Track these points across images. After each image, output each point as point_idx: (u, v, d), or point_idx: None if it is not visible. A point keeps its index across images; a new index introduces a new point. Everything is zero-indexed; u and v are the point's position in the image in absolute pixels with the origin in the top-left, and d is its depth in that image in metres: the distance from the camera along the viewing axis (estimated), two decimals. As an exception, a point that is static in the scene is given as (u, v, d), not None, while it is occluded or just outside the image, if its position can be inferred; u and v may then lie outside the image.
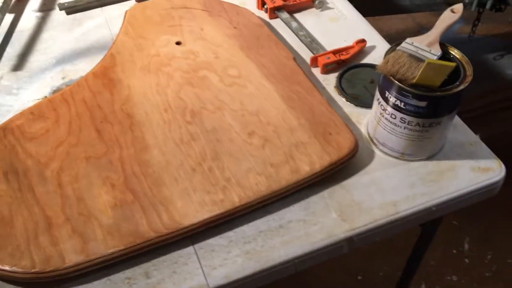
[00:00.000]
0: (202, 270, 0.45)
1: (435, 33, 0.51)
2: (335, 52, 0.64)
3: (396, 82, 0.47)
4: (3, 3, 0.72)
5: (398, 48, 0.50)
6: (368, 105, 0.59)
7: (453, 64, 0.47)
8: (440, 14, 0.53)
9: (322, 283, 1.07)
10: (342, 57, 0.64)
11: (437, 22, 0.52)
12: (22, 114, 0.56)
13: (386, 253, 1.12)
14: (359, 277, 1.09)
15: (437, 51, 0.50)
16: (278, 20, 0.72)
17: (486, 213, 1.19)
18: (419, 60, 0.48)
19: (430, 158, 0.54)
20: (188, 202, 0.48)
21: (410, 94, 0.47)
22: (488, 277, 1.10)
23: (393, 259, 1.11)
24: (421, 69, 0.45)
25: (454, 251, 1.14)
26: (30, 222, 0.47)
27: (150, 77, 0.60)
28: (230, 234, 0.48)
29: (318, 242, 0.47)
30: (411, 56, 0.49)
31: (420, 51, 0.49)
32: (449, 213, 0.53)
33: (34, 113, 0.56)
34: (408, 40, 0.50)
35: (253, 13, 0.71)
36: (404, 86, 0.47)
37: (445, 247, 1.14)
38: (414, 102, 0.48)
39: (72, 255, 0.44)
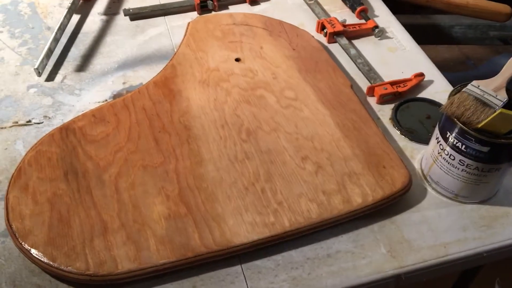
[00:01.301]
0: (249, 291, 0.46)
1: (502, 78, 0.51)
2: (392, 83, 0.64)
3: (460, 124, 0.47)
4: (71, 4, 0.75)
5: (463, 90, 0.50)
6: (423, 141, 0.59)
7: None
8: (490, 47, 0.52)
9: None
10: (400, 89, 0.64)
11: (504, 68, 0.52)
12: (84, 115, 0.58)
13: None
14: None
15: (504, 97, 0.49)
16: (336, 45, 0.72)
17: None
18: (484, 104, 0.48)
19: (483, 202, 0.53)
20: (240, 221, 0.49)
21: (473, 138, 0.47)
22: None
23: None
24: (491, 117, 0.44)
25: (484, 291, 1.12)
26: (86, 224, 0.48)
27: (209, 91, 0.62)
28: (278, 257, 0.48)
29: (366, 277, 0.47)
30: (477, 99, 0.48)
31: (486, 96, 0.49)
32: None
33: (96, 116, 0.58)
34: (474, 83, 0.50)
35: (312, 36, 0.71)
36: (468, 130, 0.47)
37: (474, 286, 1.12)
38: (476, 146, 0.47)
39: (125, 262, 0.45)
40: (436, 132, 0.52)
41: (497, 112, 0.44)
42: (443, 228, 0.51)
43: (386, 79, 0.66)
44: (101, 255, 0.46)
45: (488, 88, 0.49)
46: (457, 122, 0.47)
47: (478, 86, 0.50)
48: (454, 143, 0.49)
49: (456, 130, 0.48)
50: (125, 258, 0.46)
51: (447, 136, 0.49)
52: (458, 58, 1.79)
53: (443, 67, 0.71)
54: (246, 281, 0.46)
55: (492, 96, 0.49)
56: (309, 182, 0.52)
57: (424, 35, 1.04)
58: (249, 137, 0.57)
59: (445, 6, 0.86)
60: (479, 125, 0.46)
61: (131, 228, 0.48)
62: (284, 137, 0.57)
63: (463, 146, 0.48)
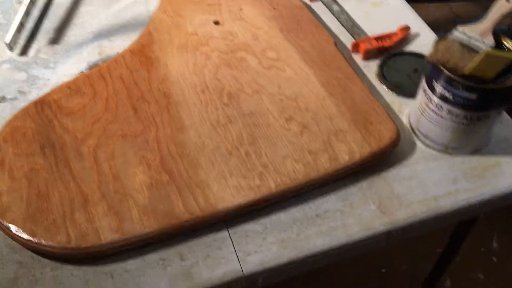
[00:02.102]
0: (237, 256, 0.44)
1: (488, 22, 0.49)
2: (377, 38, 0.62)
3: (446, 71, 0.45)
4: (42, -25, 0.72)
5: (448, 36, 0.48)
6: (411, 95, 0.57)
7: None
8: (479, 4, 0.50)
9: (346, 275, 1.06)
10: (385, 44, 0.62)
11: (491, 12, 0.50)
12: (59, 88, 0.56)
13: (411, 247, 1.10)
14: (383, 270, 1.08)
15: (490, 41, 0.47)
16: (318, 3, 0.70)
17: (516, 210, 1.16)
18: (471, 50, 0.46)
19: (474, 153, 0.52)
20: (224, 186, 0.47)
21: (460, 85, 0.45)
22: (516, 276, 1.08)
23: (416, 253, 1.09)
24: (477, 60, 0.43)
25: (482, 249, 1.12)
26: (66, 197, 0.46)
27: (188, 56, 0.59)
28: (266, 221, 0.47)
29: (356, 234, 0.46)
30: (463, 45, 0.46)
31: (472, 41, 0.47)
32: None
33: (72, 88, 0.56)
34: (459, 28, 0.48)
35: (293, -5, 0.69)
36: (455, 77, 0.45)
37: (472, 243, 1.12)
38: (463, 93, 0.46)
39: (107, 233, 0.44)
40: (423, 83, 0.50)
41: (483, 53, 0.42)
42: (433, 181, 0.49)
43: (371, 34, 0.64)
44: (82, 228, 0.44)
45: (474, 33, 0.47)
46: (443, 69, 0.46)
47: (464, 32, 0.48)
48: (441, 92, 0.47)
49: (443, 78, 0.46)
50: (107, 229, 0.44)
51: (434, 86, 0.48)
52: (448, 16, 1.76)
53: (433, 26, 0.68)
54: (233, 245, 0.45)
55: (479, 41, 0.47)
56: (295, 142, 0.51)
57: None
58: (231, 100, 0.55)
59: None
60: (466, 71, 0.44)
61: (112, 199, 0.46)
62: (267, 98, 0.55)
63: (451, 95, 0.46)
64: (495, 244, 1.13)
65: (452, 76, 0.45)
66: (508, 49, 0.48)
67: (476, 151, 0.52)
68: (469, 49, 0.46)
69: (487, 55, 0.42)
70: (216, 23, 0.64)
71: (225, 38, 0.62)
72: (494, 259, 1.10)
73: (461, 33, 0.47)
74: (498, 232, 1.15)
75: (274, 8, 0.66)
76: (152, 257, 0.45)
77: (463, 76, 0.45)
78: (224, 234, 0.46)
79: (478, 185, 0.49)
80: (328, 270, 1.07)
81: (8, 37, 0.62)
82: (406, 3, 0.70)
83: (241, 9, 0.66)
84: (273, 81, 0.57)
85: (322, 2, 0.69)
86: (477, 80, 0.45)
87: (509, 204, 0.50)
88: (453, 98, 0.46)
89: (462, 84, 0.45)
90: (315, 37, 0.62)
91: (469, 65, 0.44)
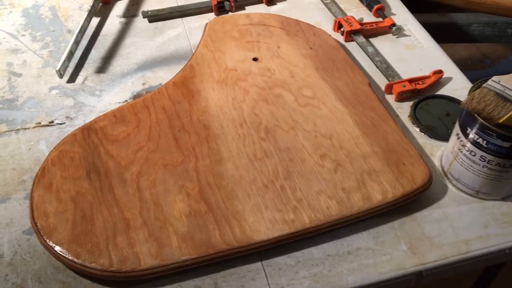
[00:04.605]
0: (270, 288, 0.46)
1: (523, 73, 0.50)
2: (411, 80, 0.64)
3: (481, 120, 0.47)
4: (91, 7, 0.76)
5: (484, 85, 0.49)
6: (443, 138, 0.58)
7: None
8: (508, 46, 0.52)
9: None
10: (418, 87, 0.63)
11: (525, 62, 0.51)
12: (105, 116, 0.59)
13: None
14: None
15: (525, 92, 0.49)
16: (353, 43, 0.72)
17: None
18: (506, 100, 0.47)
19: (505, 198, 0.53)
20: (260, 218, 0.49)
21: (494, 134, 0.47)
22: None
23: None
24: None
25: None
26: (109, 222, 0.49)
27: (227, 90, 0.62)
28: (298, 254, 0.48)
29: (387, 273, 0.47)
30: (498, 95, 0.48)
31: (507, 91, 0.48)
32: None
33: (117, 116, 0.59)
34: (494, 78, 0.50)
35: (329, 35, 0.71)
36: (489, 125, 0.46)
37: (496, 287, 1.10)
38: (497, 142, 0.47)
39: (147, 259, 0.46)
40: (457, 128, 0.51)
41: (519, 106, 0.44)
42: (464, 224, 0.50)
43: (404, 76, 0.66)
44: (124, 252, 0.46)
45: (509, 84, 0.49)
46: (478, 117, 0.47)
47: (499, 82, 0.49)
48: (475, 139, 0.49)
49: (477, 125, 0.48)
50: (147, 255, 0.46)
51: (468, 132, 0.49)
52: (476, 56, 1.77)
53: (461, 66, 0.70)
54: (267, 278, 0.47)
55: (513, 91, 0.48)
56: (328, 179, 0.52)
57: (441, 34, 1.03)
58: (267, 135, 0.57)
59: (463, 3, 0.85)
60: (500, 120, 0.46)
61: (153, 225, 0.48)
62: (302, 135, 0.57)
63: (484, 142, 0.48)
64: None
65: (486, 124, 0.46)
66: (542, 99, 0.49)
67: (508, 197, 0.53)
68: (504, 99, 0.47)
69: (523, 107, 0.44)
70: (255, 59, 0.67)
71: (263, 74, 0.64)
72: (519, 303, 1.08)
73: (496, 82, 0.49)
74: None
75: (311, 48, 0.68)
76: (188, 284, 0.46)
77: (497, 125, 0.46)
78: (258, 265, 0.48)
79: (509, 231, 0.50)
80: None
81: (59, 65, 0.66)
82: (438, 46, 0.72)
83: (278, 47, 0.68)
84: (308, 118, 0.59)
85: (357, 43, 0.72)
86: (511, 129, 0.46)
87: (540, 251, 0.50)
88: (487, 145, 0.48)
89: (496, 133, 0.46)
90: (349, 77, 0.64)
91: (504, 115, 0.45)
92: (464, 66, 0.69)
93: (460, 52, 1.71)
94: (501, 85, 0.49)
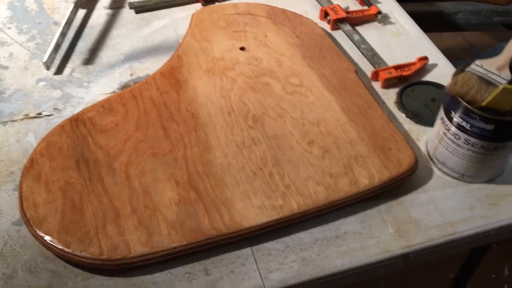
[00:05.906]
0: (259, 272, 0.46)
1: (505, 57, 0.51)
2: (396, 67, 0.65)
3: (465, 103, 0.48)
4: (77, -1, 0.76)
5: (467, 69, 0.50)
6: (428, 123, 0.59)
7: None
8: (493, 34, 0.53)
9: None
10: (404, 73, 0.64)
11: (507, 46, 0.52)
12: (93, 107, 0.59)
13: (423, 272, 1.10)
14: (395, 293, 1.08)
15: (507, 75, 0.49)
16: (340, 32, 0.73)
17: (529, 240, 1.16)
18: (489, 83, 0.48)
19: (490, 181, 0.54)
20: (249, 205, 0.50)
21: (477, 117, 0.47)
22: (528, 306, 1.07)
23: (428, 277, 1.09)
24: (495, 93, 0.45)
25: (493, 276, 1.12)
26: (99, 211, 0.49)
27: (215, 80, 0.62)
28: (287, 239, 0.49)
29: (374, 256, 0.47)
30: (481, 78, 0.49)
31: (490, 74, 0.49)
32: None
33: (105, 106, 0.59)
34: (477, 62, 0.50)
35: (316, 24, 0.72)
36: (473, 108, 0.47)
37: (484, 270, 1.12)
38: (481, 124, 0.48)
39: (137, 246, 0.46)
40: (441, 112, 0.52)
41: (501, 88, 0.45)
42: (450, 207, 0.51)
43: (390, 63, 0.66)
44: (114, 240, 0.47)
45: (491, 67, 0.50)
46: (462, 101, 0.48)
47: (482, 65, 0.50)
48: (459, 122, 0.49)
49: (461, 109, 0.49)
50: (137, 243, 0.47)
51: (452, 115, 0.50)
52: (462, 45, 1.78)
53: (448, 55, 0.71)
54: (256, 263, 0.47)
55: (496, 74, 0.49)
56: (316, 165, 0.53)
57: (427, 23, 1.04)
58: (255, 123, 0.57)
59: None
60: (483, 103, 0.46)
61: (142, 214, 0.49)
62: (290, 122, 0.57)
63: (468, 125, 0.49)
64: (506, 272, 1.13)
65: (470, 107, 0.47)
66: (524, 83, 0.50)
67: (492, 179, 0.54)
68: (486, 82, 0.48)
69: (504, 89, 0.44)
70: (242, 49, 0.67)
71: (250, 63, 0.65)
72: (506, 286, 1.10)
73: (479, 66, 0.50)
74: (510, 260, 1.15)
75: (297, 36, 0.69)
76: (179, 271, 0.47)
77: (480, 108, 0.47)
78: (247, 251, 0.48)
79: (493, 213, 0.51)
80: None
81: (45, 57, 0.66)
82: (424, 34, 0.73)
83: (265, 36, 0.69)
84: (296, 106, 0.59)
85: (343, 31, 0.72)
86: (494, 112, 0.47)
87: (523, 232, 0.51)
88: (471, 128, 0.49)
89: (480, 116, 0.47)
90: (336, 65, 0.65)
91: (487, 98, 0.46)
92: (450, 55, 0.70)
93: (446, 41, 1.72)
94: (484, 68, 0.49)
